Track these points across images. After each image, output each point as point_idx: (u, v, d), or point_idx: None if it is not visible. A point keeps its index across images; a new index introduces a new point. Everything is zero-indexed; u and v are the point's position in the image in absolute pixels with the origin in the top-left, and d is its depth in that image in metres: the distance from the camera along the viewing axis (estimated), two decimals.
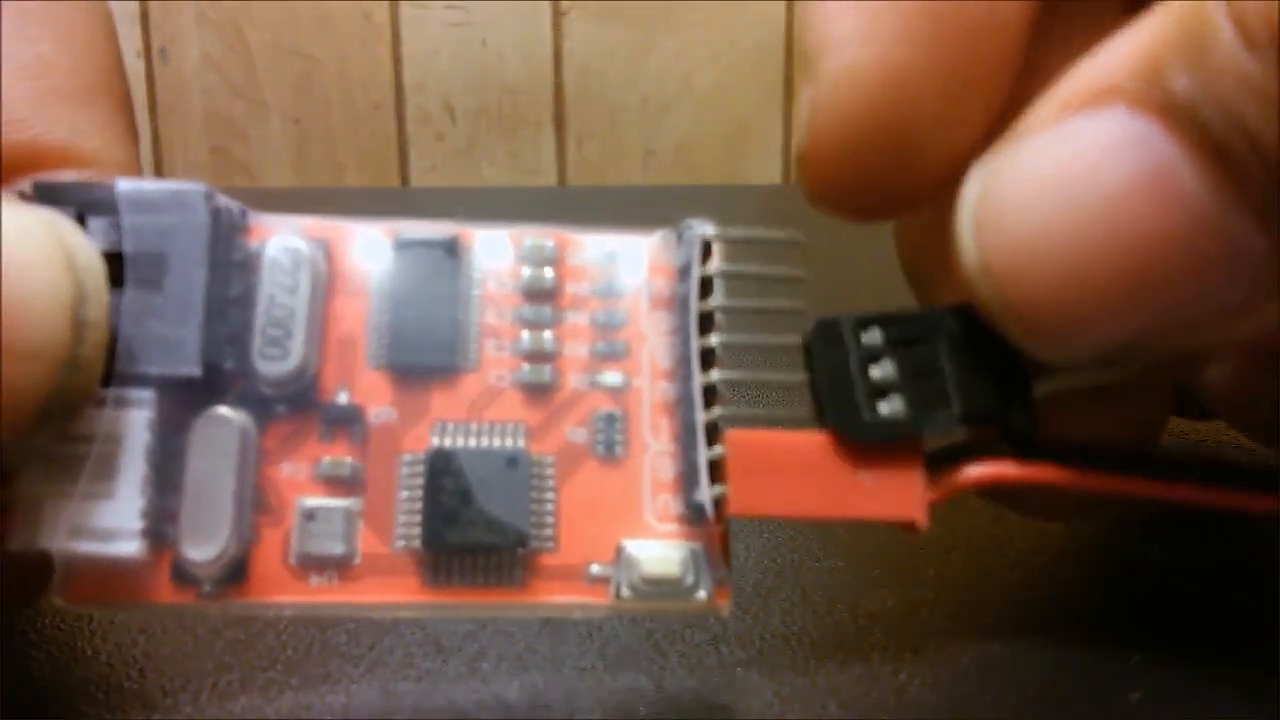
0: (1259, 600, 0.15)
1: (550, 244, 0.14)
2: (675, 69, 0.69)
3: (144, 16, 0.67)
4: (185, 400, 0.13)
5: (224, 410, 0.13)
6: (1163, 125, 0.11)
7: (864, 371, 0.13)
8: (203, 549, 0.13)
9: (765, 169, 0.70)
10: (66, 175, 0.14)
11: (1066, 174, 0.12)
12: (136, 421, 0.13)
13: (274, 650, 0.15)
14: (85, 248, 0.12)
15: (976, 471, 0.13)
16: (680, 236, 0.14)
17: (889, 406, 0.13)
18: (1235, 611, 0.15)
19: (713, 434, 0.13)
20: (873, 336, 0.13)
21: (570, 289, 0.14)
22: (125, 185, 0.13)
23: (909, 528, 0.13)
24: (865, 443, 0.13)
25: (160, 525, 0.13)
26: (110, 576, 0.13)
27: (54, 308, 0.12)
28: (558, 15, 0.68)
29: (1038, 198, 0.12)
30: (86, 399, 0.12)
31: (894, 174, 0.13)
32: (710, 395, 0.14)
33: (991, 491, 0.14)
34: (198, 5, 0.67)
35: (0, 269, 0.11)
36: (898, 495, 0.13)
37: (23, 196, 0.13)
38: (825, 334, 0.14)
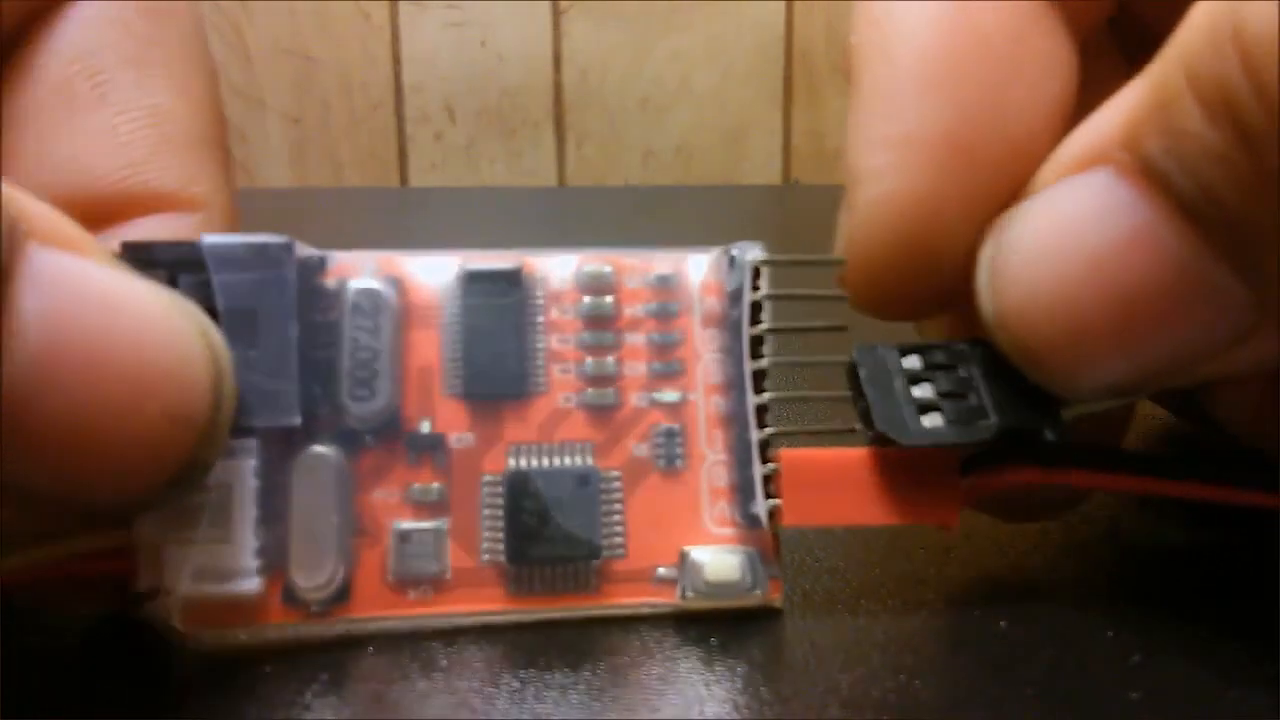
0: (1260, 600, 0.15)
1: (608, 269, 0.15)
2: (675, 69, 0.69)
3: None
4: (284, 443, 0.14)
5: (321, 449, 0.14)
6: (1142, 189, 0.12)
7: (908, 391, 0.15)
8: (312, 576, 0.14)
9: (765, 169, 0.70)
10: (153, 223, 0.15)
11: (1061, 234, 0.13)
12: (245, 469, 0.14)
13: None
14: (214, 328, 0.13)
15: (1005, 476, 0.15)
16: (731, 261, 0.15)
17: (931, 422, 0.14)
18: (1236, 611, 0.15)
19: (765, 450, 0.15)
20: (912, 362, 0.15)
21: (628, 311, 0.15)
22: (210, 241, 0.14)
23: (943, 527, 0.15)
24: (912, 448, 0.14)
25: (271, 557, 0.14)
26: (225, 607, 0.14)
27: (204, 379, 0.12)
28: (557, 15, 0.68)
29: (1038, 256, 0.13)
30: (208, 471, 0.13)
31: (925, 287, 0.15)
32: (761, 414, 0.15)
33: (980, 501, 0.16)
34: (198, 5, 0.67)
35: (164, 339, 0.12)
36: (934, 502, 0.15)
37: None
38: (870, 358, 0.15)
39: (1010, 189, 0.14)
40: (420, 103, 0.69)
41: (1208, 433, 0.17)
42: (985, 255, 0.14)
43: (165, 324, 0.12)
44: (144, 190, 0.15)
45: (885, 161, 0.14)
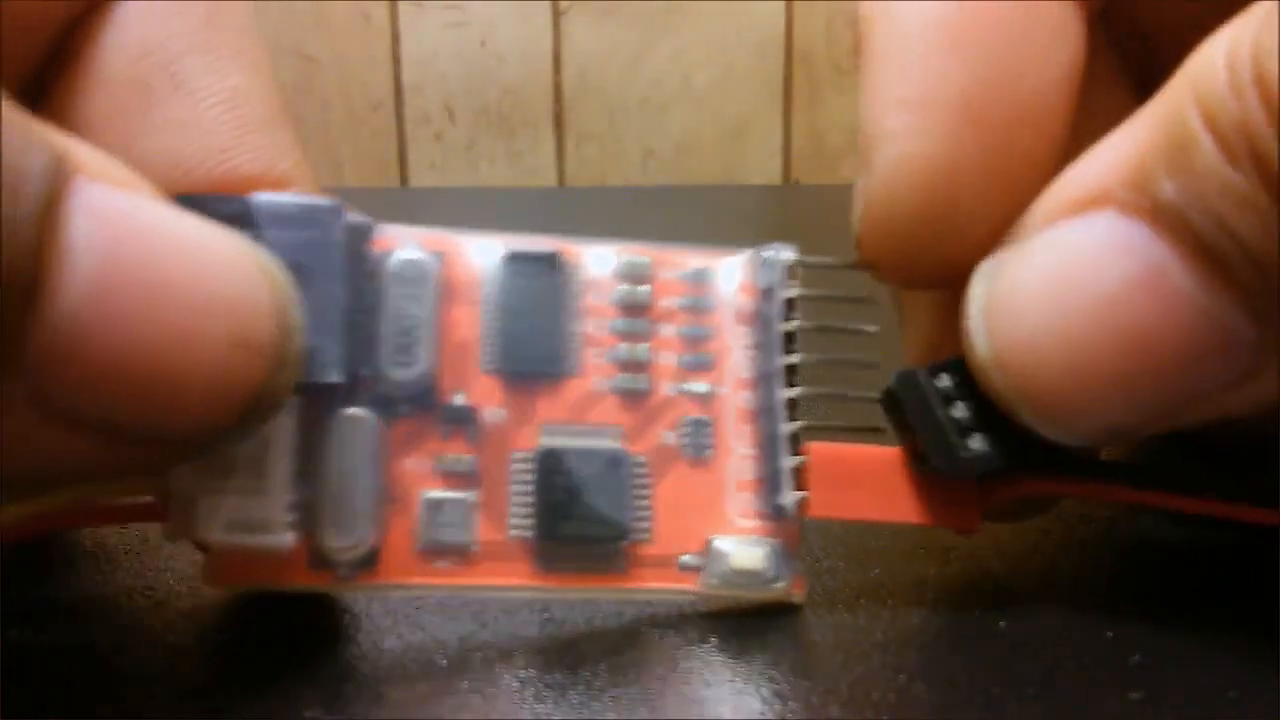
0: (1260, 600, 0.15)
1: (645, 260, 0.15)
2: (675, 69, 0.69)
3: None
4: (323, 401, 0.14)
5: (359, 410, 0.14)
6: (1154, 229, 0.12)
7: (950, 416, 0.14)
8: (344, 538, 0.14)
9: (764, 169, 0.70)
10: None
11: (1066, 275, 0.13)
12: (284, 423, 0.14)
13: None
14: (272, 259, 0.13)
15: (1022, 486, 0.15)
16: (764, 261, 0.15)
17: (976, 443, 0.14)
18: (1236, 611, 0.15)
19: (794, 443, 0.15)
20: (944, 381, 0.15)
21: (662, 303, 0.15)
22: (262, 199, 0.14)
23: (964, 531, 0.15)
24: (970, 479, 0.15)
25: (303, 516, 0.14)
26: (255, 562, 0.14)
27: (265, 304, 0.12)
28: (557, 15, 0.68)
29: (1042, 298, 0.13)
30: (283, 401, 0.13)
31: (942, 253, 0.14)
32: (791, 408, 0.15)
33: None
34: None
35: (222, 267, 0.12)
36: (954, 505, 0.15)
37: None
38: (906, 384, 0.15)
39: (1025, 156, 0.14)
40: (420, 103, 0.69)
41: (1208, 437, 0.17)
42: (977, 292, 0.14)
43: (222, 252, 0.12)
44: (234, 176, 0.15)
45: (902, 123, 0.14)
